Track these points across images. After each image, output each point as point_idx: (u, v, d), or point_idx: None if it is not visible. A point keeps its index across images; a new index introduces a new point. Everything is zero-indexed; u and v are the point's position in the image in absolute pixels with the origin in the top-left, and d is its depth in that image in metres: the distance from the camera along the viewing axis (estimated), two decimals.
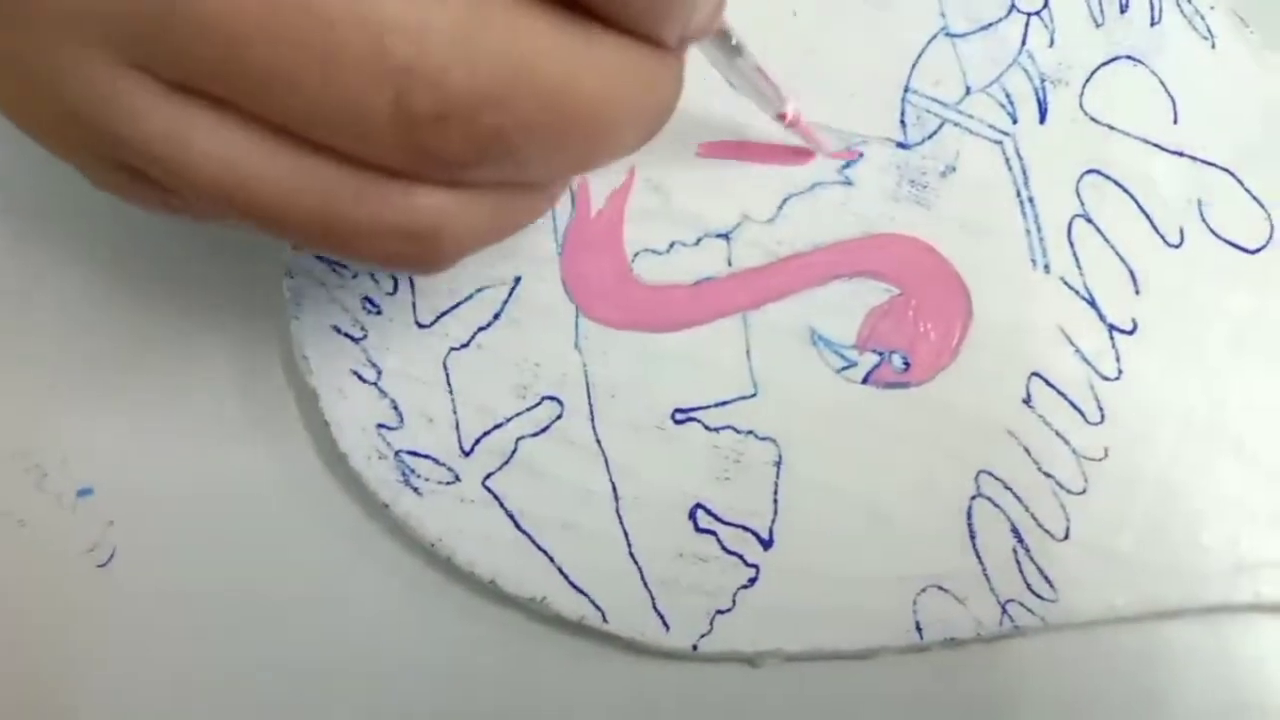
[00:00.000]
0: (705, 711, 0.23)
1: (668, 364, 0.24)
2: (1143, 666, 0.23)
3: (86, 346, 0.24)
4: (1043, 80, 0.25)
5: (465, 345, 0.24)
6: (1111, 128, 0.25)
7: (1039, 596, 0.23)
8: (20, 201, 0.25)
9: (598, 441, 0.23)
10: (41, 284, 0.25)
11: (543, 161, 0.16)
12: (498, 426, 0.23)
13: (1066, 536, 0.23)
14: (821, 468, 0.23)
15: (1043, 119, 0.25)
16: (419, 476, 0.23)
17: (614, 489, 0.23)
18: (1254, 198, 0.24)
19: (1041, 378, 0.23)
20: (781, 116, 0.23)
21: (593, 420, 0.23)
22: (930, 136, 0.25)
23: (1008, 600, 0.23)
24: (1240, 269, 0.24)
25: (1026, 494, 0.23)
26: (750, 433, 0.23)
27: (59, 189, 0.24)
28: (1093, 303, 0.24)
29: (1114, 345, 0.24)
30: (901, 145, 0.25)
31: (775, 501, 0.23)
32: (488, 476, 0.23)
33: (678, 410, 0.23)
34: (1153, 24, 0.25)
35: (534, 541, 0.23)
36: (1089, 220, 0.24)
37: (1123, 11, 0.25)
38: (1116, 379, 0.23)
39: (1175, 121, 0.25)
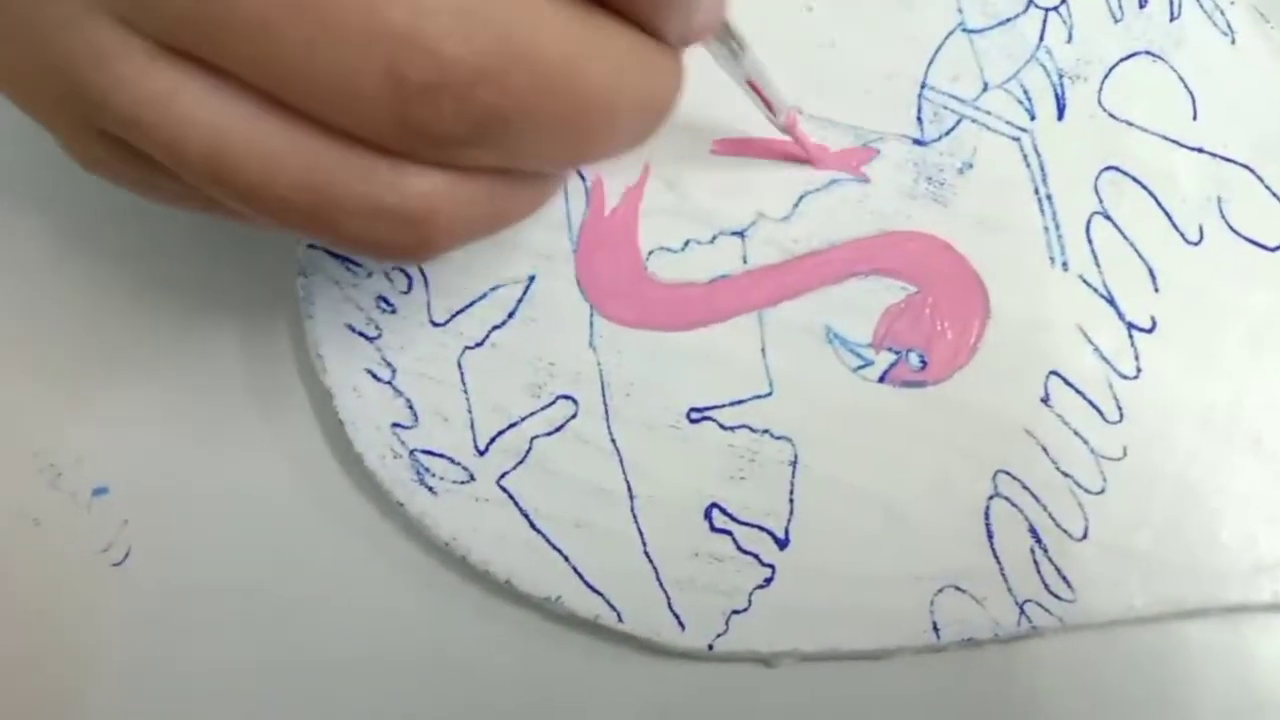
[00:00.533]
0: (720, 712, 0.23)
1: (683, 363, 0.23)
2: (1161, 667, 0.23)
3: (100, 346, 0.24)
4: (1061, 76, 0.25)
5: (480, 344, 0.24)
6: (1130, 124, 0.24)
7: (1057, 597, 0.23)
8: (34, 203, 0.25)
9: (612, 441, 0.23)
10: (55, 285, 0.25)
11: (538, 147, 0.16)
12: (512, 426, 0.23)
13: (1085, 536, 0.23)
14: (837, 467, 0.23)
15: (1061, 115, 0.24)
16: (434, 475, 0.23)
17: (629, 488, 0.23)
18: (1274, 194, 0.24)
19: (1060, 376, 0.23)
20: (790, 121, 0.23)
21: (607, 419, 0.23)
22: (947, 133, 0.24)
23: (1025, 600, 0.22)
24: (1260, 266, 0.24)
25: (1044, 494, 0.23)
26: (766, 432, 0.23)
27: (74, 191, 0.24)
28: (1111, 301, 0.24)
29: (1133, 344, 0.23)
30: (918, 142, 0.24)
31: (791, 501, 0.23)
32: (502, 476, 0.23)
33: (693, 409, 0.23)
34: (1172, 19, 0.25)
35: (549, 541, 0.23)
36: (1107, 217, 0.24)
37: (1141, 7, 0.25)
38: (1135, 378, 0.23)
39: (1195, 118, 0.24)
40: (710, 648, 0.23)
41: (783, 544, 0.23)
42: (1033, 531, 0.23)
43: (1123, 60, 0.25)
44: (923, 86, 0.25)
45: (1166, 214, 0.24)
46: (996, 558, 0.23)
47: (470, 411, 0.23)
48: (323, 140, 0.15)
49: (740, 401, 0.23)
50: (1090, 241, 0.24)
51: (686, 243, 0.24)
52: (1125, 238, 0.24)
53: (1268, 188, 0.24)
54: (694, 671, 0.23)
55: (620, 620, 0.23)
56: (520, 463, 0.23)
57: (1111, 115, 0.24)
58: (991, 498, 0.23)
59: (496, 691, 0.23)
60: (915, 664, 0.23)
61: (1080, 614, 0.23)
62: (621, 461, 0.23)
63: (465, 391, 0.23)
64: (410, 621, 0.23)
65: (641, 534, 0.23)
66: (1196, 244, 0.24)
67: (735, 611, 0.23)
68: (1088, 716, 0.23)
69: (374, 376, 0.23)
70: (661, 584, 0.23)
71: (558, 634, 0.23)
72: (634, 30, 0.15)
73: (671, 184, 0.24)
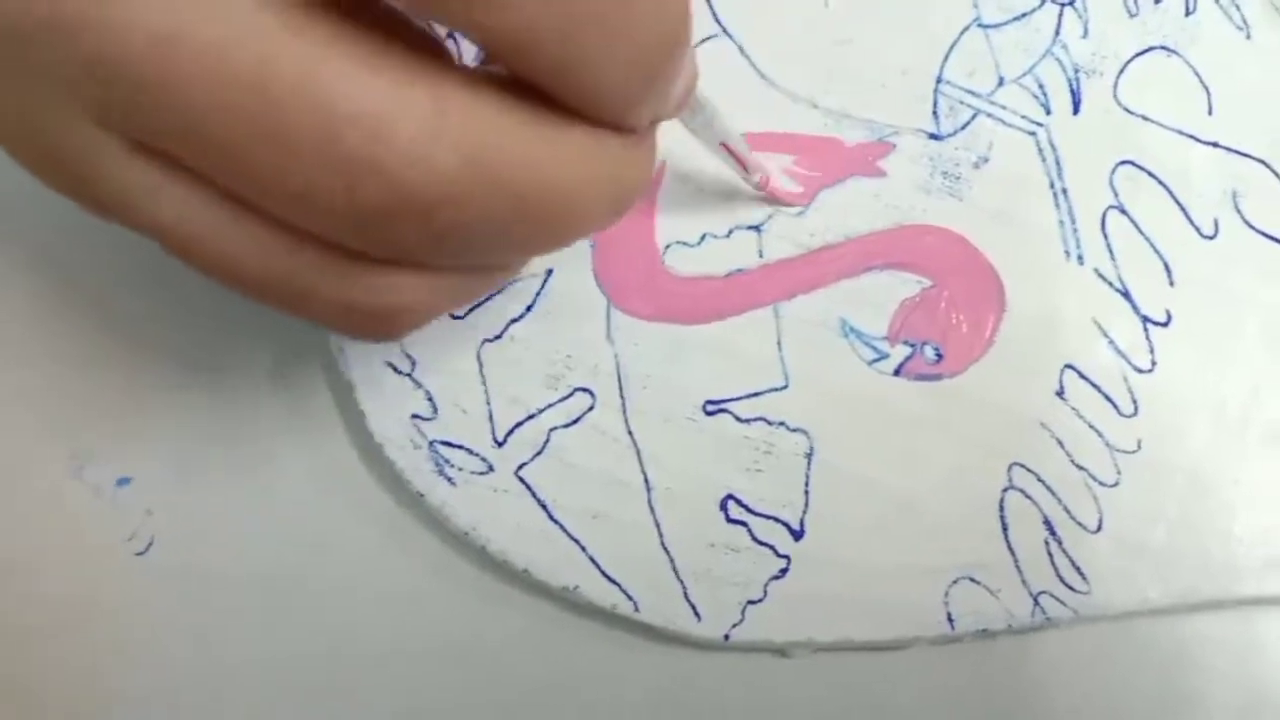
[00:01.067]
0: (736, 701, 0.23)
1: (699, 356, 0.24)
2: (1174, 659, 0.23)
3: (124, 337, 0.25)
4: (1076, 71, 0.25)
5: (498, 337, 0.24)
6: (1146, 119, 0.24)
7: (1071, 589, 0.23)
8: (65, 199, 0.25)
9: (629, 433, 0.23)
10: (79, 275, 0.25)
11: (504, 251, 0.16)
12: (530, 417, 0.23)
13: (1099, 529, 0.23)
14: (853, 459, 0.23)
15: (1076, 110, 0.25)
16: (453, 467, 0.23)
17: (646, 480, 0.23)
18: None
19: (1075, 369, 0.23)
20: (763, 182, 0.23)
21: (624, 411, 0.23)
22: (963, 127, 0.25)
23: (1040, 592, 0.23)
24: (1275, 261, 0.24)
25: (1059, 486, 0.23)
26: (781, 424, 0.23)
27: None
28: (1126, 294, 0.24)
29: (1148, 337, 0.24)
30: (934, 136, 0.24)
31: (806, 493, 0.23)
32: (520, 467, 0.23)
33: (709, 402, 0.24)
34: (1187, 14, 0.25)
35: (566, 531, 0.23)
36: (1123, 211, 0.24)
37: (1157, 2, 0.25)
38: (1150, 371, 0.23)
39: (1210, 112, 0.25)
40: (726, 638, 0.23)
41: (798, 535, 0.23)
42: (1047, 524, 0.23)
43: (1138, 55, 0.25)
44: (938, 81, 0.25)
45: (1182, 208, 0.24)
46: (1011, 550, 0.23)
47: (489, 403, 0.24)
48: (291, 241, 0.15)
49: (756, 394, 0.24)
50: (1105, 235, 0.24)
51: (703, 237, 0.24)
52: (1140, 232, 0.24)
53: None
54: (709, 661, 0.23)
55: (637, 610, 0.23)
56: (538, 454, 0.23)
57: (1127, 110, 0.25)
58: (1006, 490, 0.23)
59: (513, 679, 0.24)
60: (930, 655, 0.23)
61: (1094, 606, 0.23)
62: (638, 453, 0.23)
63: (484, 384, 0.24)
64: (429, 610, 0.24)
65: (658, 525, 0.23)
66: (1212, 238, 0.24)
67: (751, 602, 0.23)
68: (1100, 708, 0.23)
69: (394, 369, 0.24)
70: (678, 574, 0.23)
71: (574, 623, 0.24)
72: (599, 129, 0.15)
73: (687, 178, 0.24)
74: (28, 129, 0.15)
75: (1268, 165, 0.24)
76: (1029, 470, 0.23)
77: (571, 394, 0.24)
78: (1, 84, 0.15)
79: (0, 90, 0.15)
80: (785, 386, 0.23)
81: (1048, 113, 0.25)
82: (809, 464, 0.23)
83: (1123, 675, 0.23)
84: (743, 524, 0.23)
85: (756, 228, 0.24)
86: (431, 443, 0.23)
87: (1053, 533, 0.23)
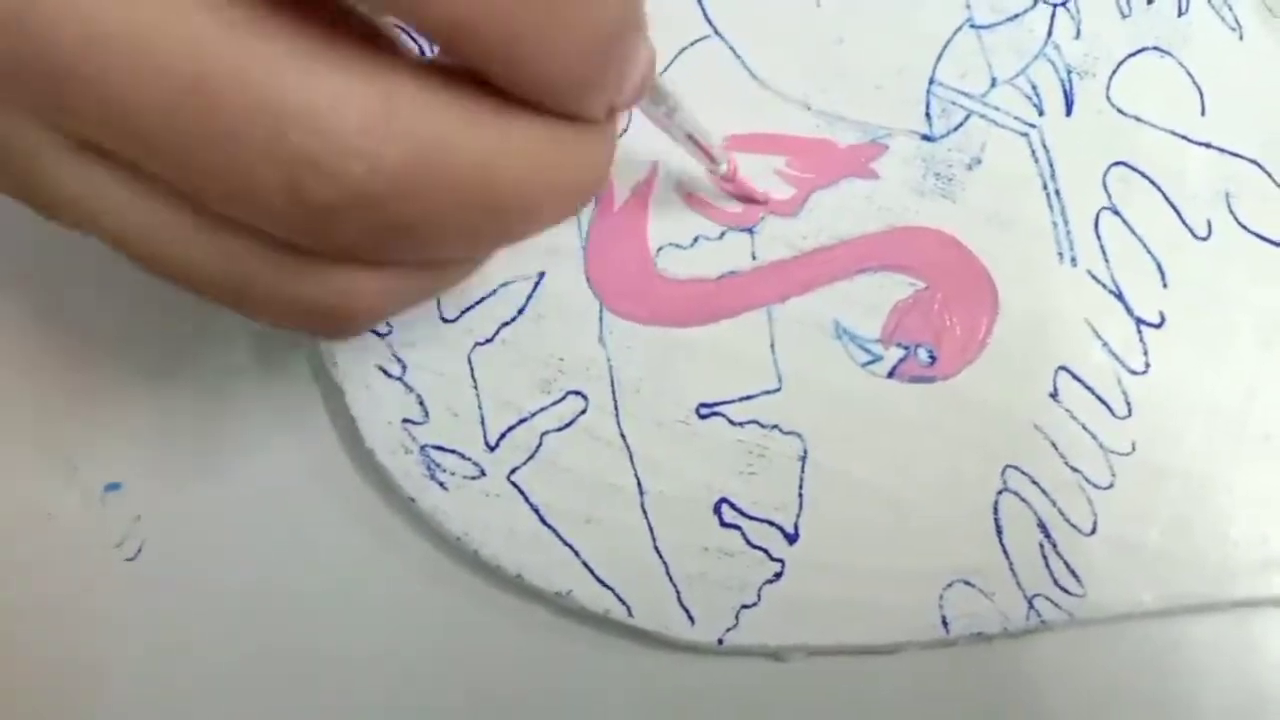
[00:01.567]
0: (730, 706, 0.23)
1: (692, 358, 0.24)
2: (1169, 661, 0.23)
3: (114, 343, 0.25)
4: (1069, 72, 0.25)
5: (490, 340, 0.24)
6: (1139, 120, 0.24)
7: (1066, 592, 0.23)
8: None
9: (622, 436, 0.23)
10: (66, 281, 0.25)
11: (456, 245, 0.16)
12: (522, 421, 0.23)
13: (1093, 531, 0.23)
14: (846, 462, 0.23)
15: (1069, 111, 0.24)
16: (444, 471, 0.23)
17: (639, 483, 0.23)
18: None
19: (1068, 372, 0.23)
20: (730, 173, 0.23)
21: (617, 415, 0.23)
22: (956, 129, 0.24)
23: (1034, 595, 0.23)
24: (1268, 262, 0.24)
25: (1053, 489, 0.23)
26: (775, 427, 0.23)
27: None
28: (1120, 296, 0.24)
29: (1141, 339, 0.23)
30: (927, 138, 0.24)
31: (800, 496, 0.23)
32: (513, 471, 0.23)
33: (702, 405, 0.23)
34: (1180, 15, 0.25)
35: (559, 536, 0.23)
36: (1116, 213, 0.24)
37: (1149, 2, 0.25)
38: (1144, 373, 0.23)
39: (1203, 113, 0.25)
40: (720, 642, 0.23)
41: (792, 539, 0.23)
42: (1041, 526, 0.23)
43: (1131, 56, 0.25)
44: (931, 82, 0.25)
45: (1175, 209, 0.24)
46: (1005, 553, 0.23)
47: (480, 407, 0.23)
48: (241, 238, 0.15)
49: (749, 397, 0.23)
50: (1099, 237, 0.24)
51: (695, 239, 0.24)
52: (1134, 233, 0.24)
53: (1276, 183, 0.24)
54: (704, 665, 0.23)
55: (630, 615, 0.23)
56: (530, 458, 0.23)
57: (1120, 111, 0.24)
58: (1000, 493, 0.23)
59: (506, 685, 0.24)
60: (924, 659, 0.23)
61: (1089, 609, 0.23)
62: (631, 457, 0.23)
63: (475, 387, 0.23)
64: (421, 616, 0.24)
65: (651, 529, 0.23)
66: (1205, 239, 0.24)
67: (745, 606, 0.23)
68: (1096, 711, 0.23)
69: (385, 373, 0.23)
70: (671, 578, 0.23)
71: (568, 628, 0.23)
72: (552, 120, 0.15)
73: (680, 180, 0.24)
74: None
75: (1261, 166, 0.24)
76: (1023, 473, 0.23)
77: (564, 397, 0.23)
78: None
79: None
80: (778, 389, 0.23)
81: (1040, 114, 0.24)
82: (803, 467, 0.23)
83: (1118, 678, 0.23)
84: (736, 528, 0.23)
85: (749, 230, 0.24)
86: (423, 447, 0.23)
87: (1047, 535, 0.23)
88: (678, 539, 0.23)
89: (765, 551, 0.23)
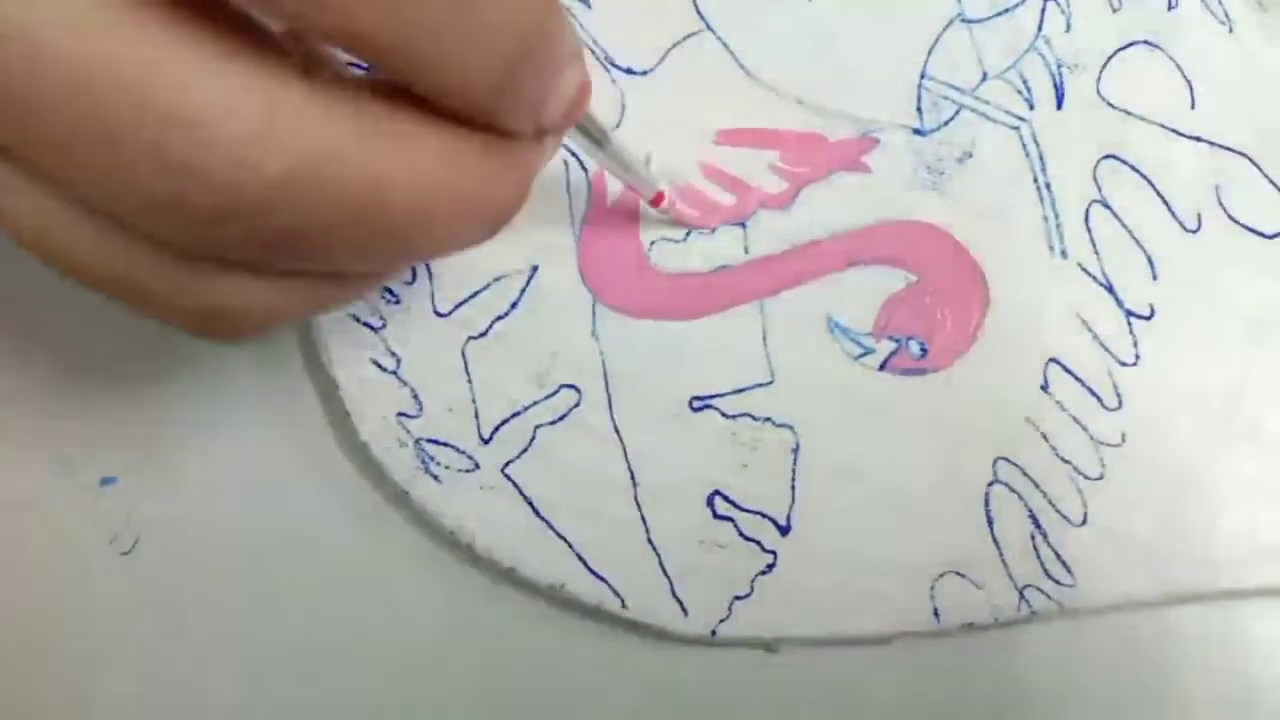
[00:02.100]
0: (724, 697, 0.23)
1: (685, 352, 0.24)
2: (1159, 651, 0.24)
3: (108, 337, 0.25)
4: (1059, 65, 0.25)
5: (484, 334, 0.24)
6: (1129, 113, 0.25)
7: (1056, 582, 0.23)
8: None
9: (615, 429, 0.23)
10: (58, 276, 0.25)
11: (347, 259, 0.15)
12: (516, 414, 0.23)
13: (1084, 522, 0.23)
14: (838, 454, 0.23)
15: (1060, 104, 0.25)
16: (438, 464, 0.23)
17: (632, 476, 0.23)
18: (1272, 183, 0.24)
19: (1059, 364, 0.23)
20: (655, 199, 0.23)
21: (610, 408, 0.23)
22: (947, 123, 0.25)
23: (1025, 586, 0.23)
24: (1258, 254, 0.24)
25: (1044, 480, 0.23)
26: (768, 420, 0.23)
27: None
28: (1110, 289, 0.24)
29: (1131, 331, 0.24)
30: (918, 132, 0.25)
31: (793, 488, 0.23)
32: (507, 464, 0.23)
33: (695, 398, 0.24)
34: (1170, 8, 0.25)
35: (553, 528, 0.23)
36: (1106, 206, 0.24)
37: None
38: (1134, 365, 0.23)
39: (1193, 106, 0.25)
40: (713, 633, 0.23)
41: (784, 530, 0.23)
42: (1032, 517, 0.23)
43: (1121, 49, 0.25)
44: (922, 76, 0.25)
45: (1165, 202, 0.24)
46: (996, 543, 0.23)
47: (474, 401, 0.24)
48: (131, 241, 0.15)
49: (742, 390, 0.24)
50: (1089, 230, 0.24)
51: (688, 233, 0.24)
52: (1124, 226, 0.24)
53: (1266, 176, 0.24)
54: (697, 656, 0.23)
55: (624, 606, 0.23)
56: (524, 451, 0.23)
57: (1110, 104, 0.25)
58: (992, 484, 0.23)
59: (501, 676, 0.24)
60: (916, 648, 0.23)
61: (1079, 599, 0.23)
62: (624, 450, 0.23)
63: (469, 381, 0.24)
64: (416, 607, 0.24)
65: (645, 521, 0.23)
66: (1195, 232, 0.24)
67: (738, 597, 0.23)
68: (1086, 700, 0.23)
69: (379, 366, 0.24)
70: (665, 570, 0.23)
71: (562, 620, 0.24)
72: (463, 134, 0.15)
73: (674, 174, 0.24)
74: None
75: (1250, 159, 0.24)
76: (1014, 464, 0.23)
77: (557, 391, 0.24)
78: None
79: None
80: (771, 382, 0.24)
81: (1031, 107, 0.25)
82: (795, 459, 0.23)
83: (1108, 667, 0.23)
84: (729, 520, 0.23)
85: (742, 223, 0.24)
86: (417, 440, 0.23)
87: (1038, 526, 0.23)
88: (671, 531, 0.23)
89: (758, 543, 0.23)
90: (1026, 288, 0.24)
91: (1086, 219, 0.24)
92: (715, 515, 0.23)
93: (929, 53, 0.25)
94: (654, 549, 0.23)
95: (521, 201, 0.17)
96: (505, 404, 0.24)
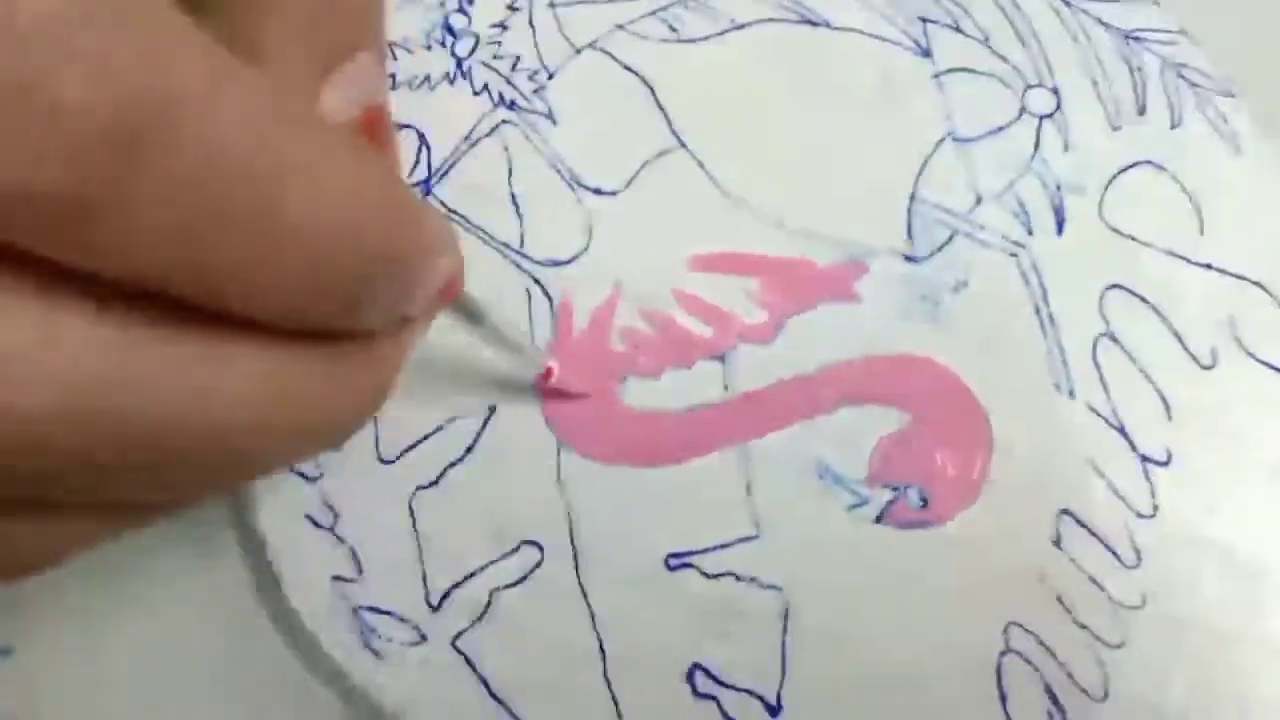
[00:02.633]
0: None
1: (660, 502, 0.21)
2: None
3: None
4: (1059, 187, 0.23)
5: (434, 483, 0.21)
6: (1134, 239, 0.23)
7: None
8: None
9: (583, 592, 0.21)
10: None
11: (137, 489, 0.13)
12: (470, 576, 0.21)
13: (1105, 697, 0.20)
14: (833, 620, 0.21)
15: (1060, 229, 0.23)
16: (380, 637, 0.20)
17: (601, 647, 0.21)
18: None
19: (1072, 516, 0.21)
20: (545, 375, 0.21)
21: (577, 568, 0.21)
22: (940, 249, 0.23)
23: None
24: (1278, 390, 0.22)
25: (1061, 648, 0.21)
26: (753, 580, 0.21)
27: None
28: (1123, 431, 0.22)
29: (1148, 478, 0.22)
30: (909, 258, 0.23)
31: (783, 660, 0.20)
32: (458, 635, 0.20)
33: (671, 555, 0.21)
34: (1173, 126, 0.24)
35: (510, 711, 0.20)
36: (1114, 340, 0.22)
37: (1141, 114, 0.24)
38: (1151, 516, 0.21)
39: (1201, 232, 0.23)
40: None
41: (775, 710, 0.20)
42: (1049, 692, 0.20)
43: (1123, 171, 0.23)
44: (912, 199, 0.23)
45: (1176, 336, 0.22)
46: None
47: (422, 561, 0.21)
48: None
49: (724, 546, 0.21)
50: (1097, 366, 0.22)
51: (663, 368, 0.22)
52: (1134, 362, 0.22)
53: None
54: None
55: None
56: (479, 619, 0.21)
57: (1114, 229, 0.23)
58: (1003, 654, 0.21)
59: None
60: None
61: None
62: (593, 616, 0.21)
63: (417, 538, 0.21)
64: None
65: (616, 701, 0.20)
66: (1210, 368, 0.22)
67: None
68: None
69: (313, 522, 0.21)
70: None
71: None
72: (299, 350, 0.13)
73: (645, 303, 0.22)
74: None
75: (1265, 289, 0.23)
76: (1027, 631, 0.21)
77: (517, 548, 0.21)
78: None
79: None
80: (756, 536, 0.21)
81: (1029, 233, 0.23)
82: (785, 626, 0.21)
83: None
84: (712, 699, 0.20)
85: (720, 358, 0.22)
86: (355, 609, 0.21)
87: (1055, 702, 0.20)
88: (646, 712, 0.20)
89: None
90: (1033, 430, 0.22)
91: (1094, 354, 0.22)
92: (696, 693, 0.20)
93: (919, 173, 0.23)
94: None
95: (380, 402, 0.14)
96: (457, 565, 0.21)
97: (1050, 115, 0.24)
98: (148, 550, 0.22)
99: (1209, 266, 0.23)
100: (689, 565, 0.21)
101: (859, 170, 0.23)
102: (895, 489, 0.21)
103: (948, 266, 0.23)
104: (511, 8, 0.25)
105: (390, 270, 0.13)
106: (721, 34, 0.24)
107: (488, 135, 0.24)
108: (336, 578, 0.21)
